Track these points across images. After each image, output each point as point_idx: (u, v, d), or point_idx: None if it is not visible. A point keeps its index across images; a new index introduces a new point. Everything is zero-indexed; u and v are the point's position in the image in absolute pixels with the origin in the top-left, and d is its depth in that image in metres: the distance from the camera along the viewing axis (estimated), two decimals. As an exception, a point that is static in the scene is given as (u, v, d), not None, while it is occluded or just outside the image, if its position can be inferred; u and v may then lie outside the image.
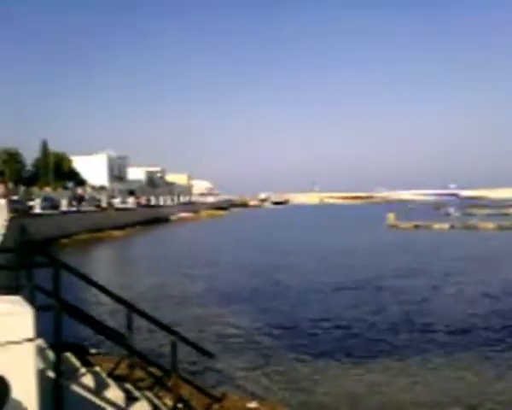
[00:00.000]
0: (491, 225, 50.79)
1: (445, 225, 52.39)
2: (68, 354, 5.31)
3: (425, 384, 10.05)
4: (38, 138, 77.86)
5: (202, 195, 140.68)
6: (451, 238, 42.75)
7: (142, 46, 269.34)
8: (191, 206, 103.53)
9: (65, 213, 50.98)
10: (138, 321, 5.98)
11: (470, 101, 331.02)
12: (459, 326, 14.47)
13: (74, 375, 4.90)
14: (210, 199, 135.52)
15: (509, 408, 8.92)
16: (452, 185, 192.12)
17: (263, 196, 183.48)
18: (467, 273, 24.01)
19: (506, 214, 62.07)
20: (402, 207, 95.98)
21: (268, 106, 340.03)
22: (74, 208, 54.88)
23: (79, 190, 70.45)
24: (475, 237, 43.84)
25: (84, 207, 58.37)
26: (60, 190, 65.36)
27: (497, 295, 18.90)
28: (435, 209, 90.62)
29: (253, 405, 8.72)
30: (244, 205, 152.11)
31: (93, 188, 78.59)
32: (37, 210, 47.01)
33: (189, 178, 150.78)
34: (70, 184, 72.75)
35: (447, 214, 70.22)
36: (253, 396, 9.17)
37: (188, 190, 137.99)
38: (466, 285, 20.91)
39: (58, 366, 4.27)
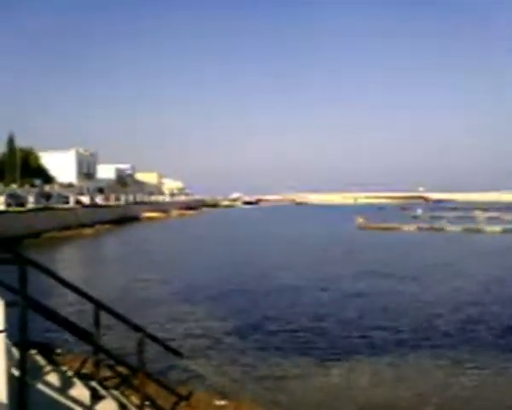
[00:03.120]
0: (457, 227, 52.06)
1: (413, 227, 53.46)
2: (34, 353, 5.26)
3: (391, 383, 10.28)
4: (4, 133, 75.99)
5: (173, 194, 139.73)
6: (418, 240, 43.63)
7: (119, 42, 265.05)
8: (161, 205, 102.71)
9: (32, 210, 49.92)
10: (106, 319, 5.95)
11: (442, 102, 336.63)
12: (422, 325, 14.82)
13: (40, 374, 4.86)
14: (181, 198, 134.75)
15: (472, 405, 9.20)
16: (421, 188, 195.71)
17: (234, 196, 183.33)
18: (431, 274, 24.57)
19: (472, 217, 63.61)
20: (371, 209, 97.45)
21: (245, 107, 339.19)
22: (42, 206, 53.76)
23: (47, 188, 69.04)
24: (442, 238, 44.85)
25: (52, 204, 57.25)
26: (27, 187, 63.91)
27: (460, 294, 19.42)
28: (403, 211, 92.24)
29: (220, 403, 8.76)
30: (215, 205, 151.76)
31: (61, 185, 77.14)
32: (1, 207, 45.90)
33: (160, 176, 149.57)
34: (37, 181, 71.18)
35: (415, 217, 71.50)
36: (221, 394, 9.21)
37: (158, 188, 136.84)
38: (430, 285, 21.41)
39: (23, 364, 4.23)
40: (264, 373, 10.72)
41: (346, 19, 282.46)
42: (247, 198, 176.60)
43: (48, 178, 77.36)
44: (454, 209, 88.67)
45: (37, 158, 78.76)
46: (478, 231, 50.53)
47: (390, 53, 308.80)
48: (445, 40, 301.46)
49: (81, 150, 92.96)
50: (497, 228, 50.71)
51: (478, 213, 67.37)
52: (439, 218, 63.71)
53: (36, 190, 61.53)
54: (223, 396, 9.11)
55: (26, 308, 4.26)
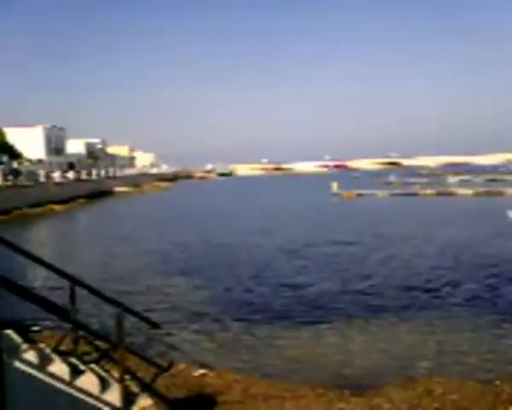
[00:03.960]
0: (429, 191, 52.97)
1: (387, 193, 54.19)
2: (9, 332, 5.17)
3: (367, 346, 10.52)
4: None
5: (145, 167, 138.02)
6: (392, 206, 44.28)
7: (79, 19, 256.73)
8: (133, 178, 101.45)
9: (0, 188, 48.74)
10: (83, 295, 5.88)
11: (420, 70, 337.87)
12: (398, 287, 15.17)
13: (16, 352, 4.79)
14: (153, 171, 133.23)
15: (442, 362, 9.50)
16: (393, 154, 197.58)
17: (209, 167, 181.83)
18: (405, 238, 25.05)
19: (443, 182, 64.76)
20: (346, 176, 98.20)
21: (221, 77, 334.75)
22: (10, 183, 52.53)
23: (15, 164, 67.34)
24: (415, 203, 45.62)
25: (21, 181, 55.97)
26: (-7, 164, 62.19)
27: (432, 255, 19.89)
28: (377, 178, 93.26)
29: (201, 372, 8.84)
30: (189, 177, 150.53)
31: (30, 162, 75.34)
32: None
33: (131, 149, 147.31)
34: (4, 158, 69.28)
35: (388, 183, 72.37)
36: (201, 364, 9.29)
37: (130, 162, 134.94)
38: (403, 249, 21.86)
39: (-2, 343, 4.16)
40: (242, 342, 10.85)
41: None
42: (221, 170, 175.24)
43: (15, 155, 75.37)
44: (427, 175, 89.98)
45: (2, 134, 76.52)
46: (450, 194, 51.54)
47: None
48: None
49: (49, 126, 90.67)
50: (469, 191, 51.82)
51: (450, 176, 68.62)
52: (412, 183, 64.64)
53: (3, 166, 59.93)
54: (203, 366, 9.20)
55: (-2, 287, 4.16)
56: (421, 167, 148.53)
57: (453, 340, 10.60)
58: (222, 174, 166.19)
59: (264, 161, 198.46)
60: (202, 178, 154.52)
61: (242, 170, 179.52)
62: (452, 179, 64.90)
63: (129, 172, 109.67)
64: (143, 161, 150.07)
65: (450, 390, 7.77)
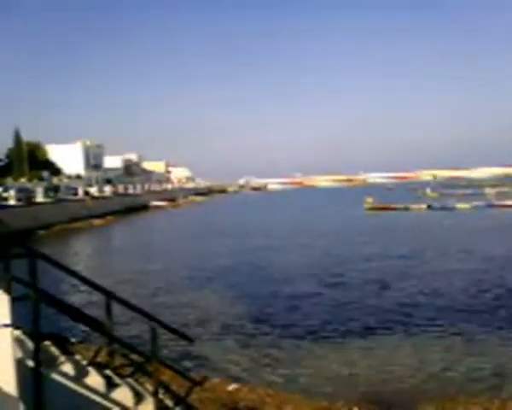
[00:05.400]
0: (467, 205, 51.60)
1: (423, 206, 53.13)
2: (47, 343, 5.32)
3: (415, 363, 10.31)
4: (10, 128, 76.08)
5: (180, 181, 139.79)
6: (429, 219, 43.41)
7: (123, 34, 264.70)
8: (169, 193, 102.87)
9: (41, 203, 50.24)
10: (118, 309, 6.00)
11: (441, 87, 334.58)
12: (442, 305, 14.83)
13: (54, 364, 4.92)
14: (188, 186, 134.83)
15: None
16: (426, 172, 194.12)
17: (242, 181, 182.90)
18: (445, 253, 24.50)
19: (482, 194, 63.10)
20: (380, 190, 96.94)
21: (250, 94, 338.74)
22: (50, 199, 54.08)
23: (55, 180, 69.34)
24: (452, 217, 44.60)
25: (61, 196, 57.57)
26: (35, 180, 64.22)
27: (478, 271, 19.37)
28: (412, 190, 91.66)
29: (234, 387, 8.84)
30: (223, 191, 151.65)
31: (69, 177, 77.44)
32: (12, 202, 46.23)
33: (167, 165, 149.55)
34: (45, 174, 71.43)
35: (424, 195, 71.08)
36: (234, 379, 9.29)
37: (166, 177, 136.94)
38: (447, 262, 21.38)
39: (37, 354, 4.29)
40: (275, 357, 10.80)
41: None
42: (255, 184, 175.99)
43: (55, 171, 77.64)
44: (463, 186, 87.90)
45: (44, 151, 79.00)
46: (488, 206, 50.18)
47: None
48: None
49: (87, 142, 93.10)
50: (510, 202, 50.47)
51: (488, 189, 66.82)
52: (449, 196, 63.19)
53: (44, 182, 61.78)
54: (236, 380, 9.19)
55: (37, 301, 4.30)
56: (458, 179, 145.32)
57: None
58: (255, 188, 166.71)
59: (298, 175, 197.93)
60: (236, 191, 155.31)
61: (274, 185, 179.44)
62: (490, 192, 63.11)
63: (164, 187, 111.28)
64: (179, 176, 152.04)
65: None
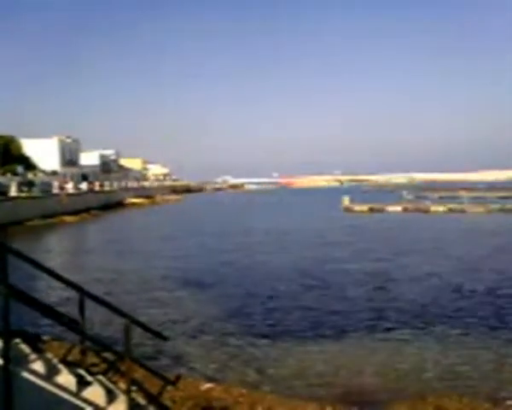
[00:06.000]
0: (441, 207, 52.46)
1: (398, 208, 53.82)
2: (17, 341, 5.21)
3: (389, 363, 10.42)
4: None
5: (158, 180, 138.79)
6: (404, 221, 43.99)
7: (99, 28, 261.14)
8: (146, 190, 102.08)
9: (14, 198, 49.27)
10: (91, 306, 5.91)
11: (425, 86, 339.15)
12: (409, 307, 15.02)
13: (24, 361, 4.82)
14: (166, 183, 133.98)
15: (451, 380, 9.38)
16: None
17: (220, 180, 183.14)
18: (416, 254, 24.84)
19: (456, 197, 64.06)
20: (356, 190, 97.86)
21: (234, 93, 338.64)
22: (24, 194, 53.07)
23: (30, 175, 68.06)
24: (427, 219, 45.27)
25: (35, 192, 56.54)
26: (9, 174, 62.95)
27: (446, 273, 19.68)
28: (389, 192, 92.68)
29: (208, 386, 8.81)
30: (201, 190, 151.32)
31: (44, 173, 76.11)
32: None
33: (145, 162, 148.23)
34: (20, 169, 70.04)
35: (400, 197, 71.82)
36: (208, 378, 9.26)
37: (143, 174, 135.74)
38: (416, 266, 21.66)
39: (6, 352, 4.20)
40: (249, 356, 10.79)
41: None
42: (231, 183, 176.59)
43: (30, 166, 76.19)
44: (438, 190, 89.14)
45: (18, 146, 77.44)
46: (462, 211, 51.03)
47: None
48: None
49: (63, 137, 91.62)
50: (481, 208, 51.26)
51: (462, 193, 67.82)
52: (424, 198, 64.07)
53: (18, 177, 60.61)
54: (210, 379, 9.16)
55: (7, 297, 4.20)
56: (433, 182, 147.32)
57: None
58: (232, 187, 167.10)
59: (275, 175, 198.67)
60: (214, 190, 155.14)
61: (252, 185, 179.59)
62: (464, 196, 64.13)
63: (141, 184, 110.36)
64: (157, 174, 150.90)
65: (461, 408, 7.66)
